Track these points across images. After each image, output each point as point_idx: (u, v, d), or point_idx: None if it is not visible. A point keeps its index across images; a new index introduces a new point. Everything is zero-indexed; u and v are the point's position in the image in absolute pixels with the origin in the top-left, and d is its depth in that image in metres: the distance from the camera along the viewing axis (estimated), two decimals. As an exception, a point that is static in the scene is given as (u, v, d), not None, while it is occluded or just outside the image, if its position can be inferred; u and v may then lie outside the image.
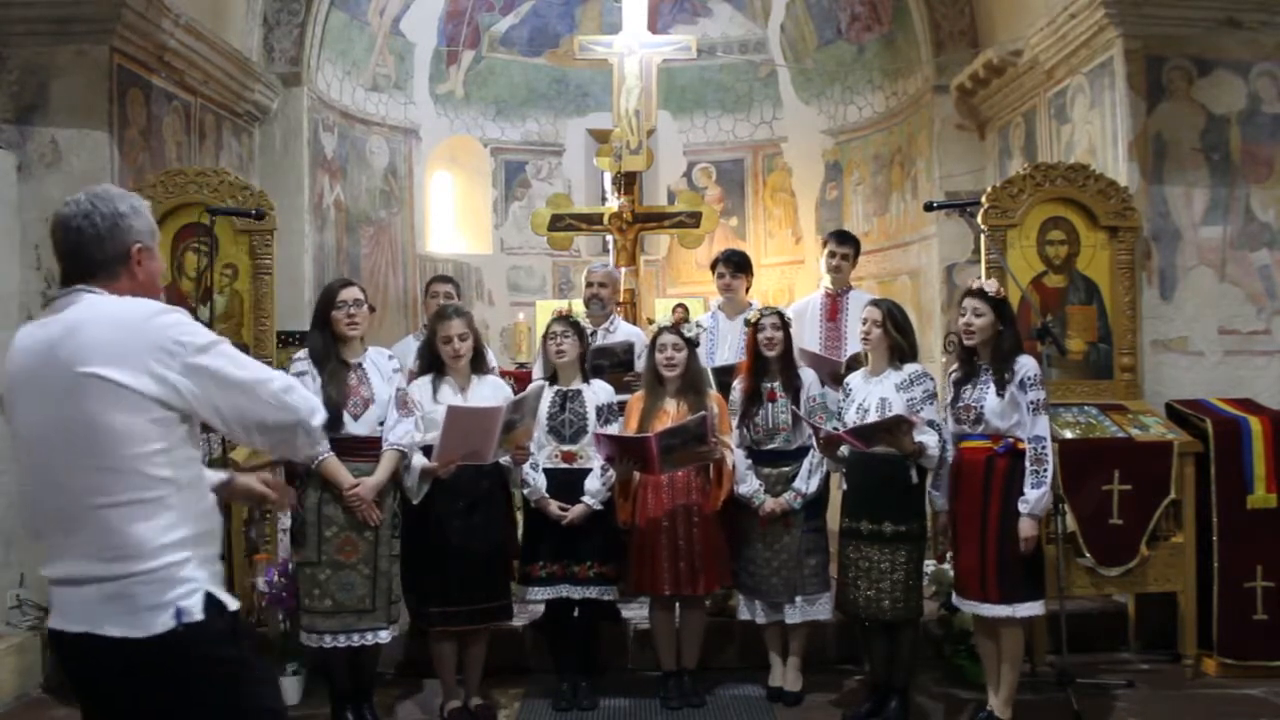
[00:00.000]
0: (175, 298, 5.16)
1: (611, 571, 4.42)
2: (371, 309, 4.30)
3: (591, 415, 4.42)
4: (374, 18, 7.91)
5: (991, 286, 4.11)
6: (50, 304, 2.13)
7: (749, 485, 4.39)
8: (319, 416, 2.23)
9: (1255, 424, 4.81)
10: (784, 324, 4.46)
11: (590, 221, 7.23)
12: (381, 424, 4.07)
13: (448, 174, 8.94)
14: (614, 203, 7.09)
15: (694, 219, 7.14)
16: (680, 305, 7.46)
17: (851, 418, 4.22)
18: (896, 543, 4.14)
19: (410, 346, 5.16)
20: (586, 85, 8.92)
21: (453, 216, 9.01)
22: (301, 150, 7.15)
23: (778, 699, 4.48)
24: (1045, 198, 5.28)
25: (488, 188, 9.00)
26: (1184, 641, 4.82)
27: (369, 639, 4.04)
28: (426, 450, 4.08)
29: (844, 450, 4.24)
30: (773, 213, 9.02)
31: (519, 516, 4.62)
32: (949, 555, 4.27)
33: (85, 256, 2.11)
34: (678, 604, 4.50)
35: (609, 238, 7.27)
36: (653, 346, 4.50)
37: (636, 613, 5.00)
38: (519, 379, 5.45)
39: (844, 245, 5.50)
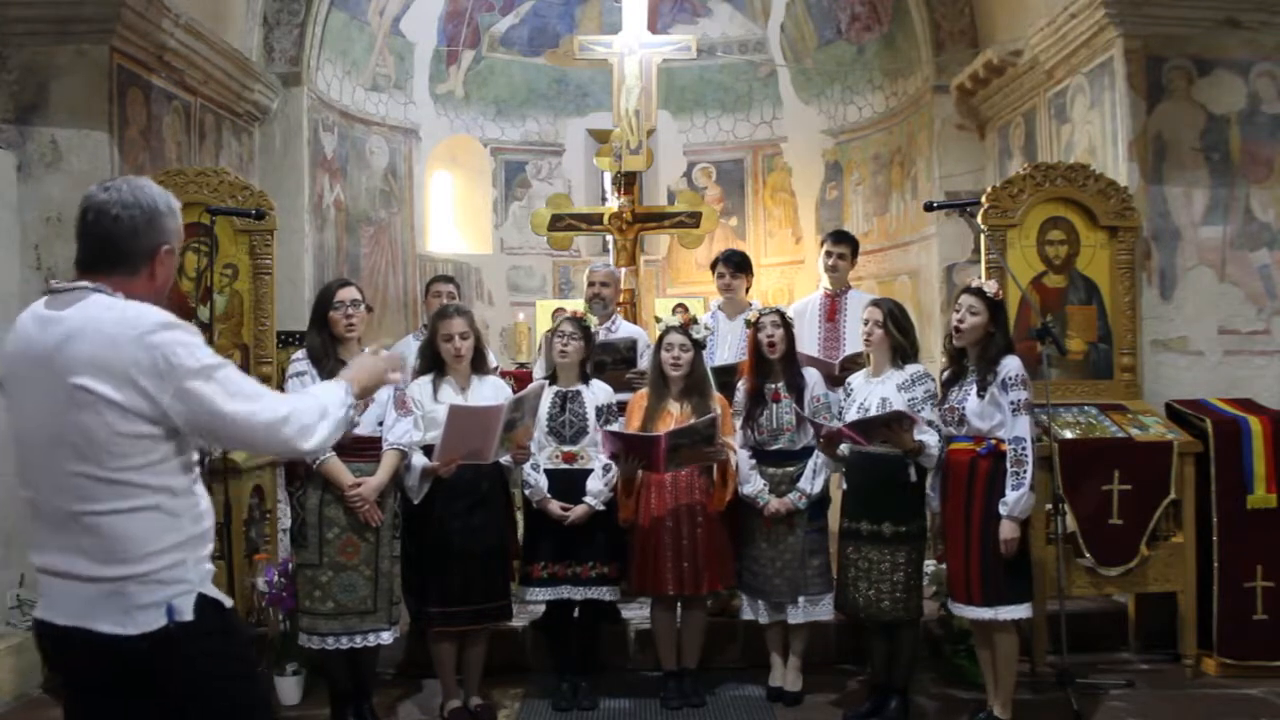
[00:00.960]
0: (175, 297, 5.16)
1: (613, 571, 4.42)
2: (369, 309, 4.30)
3: (591, 416, 4.42)
4: (374, 18, 7.91)
5: (991, 288, 4.10)
6: (54, 294, 2.07)
7: (753, 485, 4.39)
8: (307, 442, 2.15)
9: (1255, 424, 4.81)
10: (784, 323, 4.45)
11: (590, 221, 7.23)
12: (381, 424, 4.07)
13: (448, 174, 8.94)
14: (614, 203, 7.09)
15: (694, 219, 7.14)
16: (680, 305, 7.44)
17: (852, 417, 4.21)
18: (896, 543, 4.14)
19: (411, 346, 5.17)
20: (586, 85, 8.92)
21: (453, 216, 9.01)
22: (301, 150, 7.15)
23: (778, 699, 4.48)
24: (1045, 198, 5.28)
25: (488, 188, 9.00)
26: (1184, 641, 4.82)
27: (370, 640, 4.03)
28: (427, 450, 4.08)
29: (844, 449, 4.24)
30: (773, 213, 9.02)
31: (519, 517, 4.62)
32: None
33: (113, 247, 2.06)
34: (679, 604, 4.50)
35: (609, 238, 7.27)
36: (659, 345, 4.49)
37: (637, 613, 5.01)
38: (519, 379, 5.45)
39: (840, 245, 5.50)
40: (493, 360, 4.75)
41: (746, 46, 8.94)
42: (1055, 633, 4.47)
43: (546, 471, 4.39)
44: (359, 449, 4.02)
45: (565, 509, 4.32)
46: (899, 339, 4.22)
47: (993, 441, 3.98)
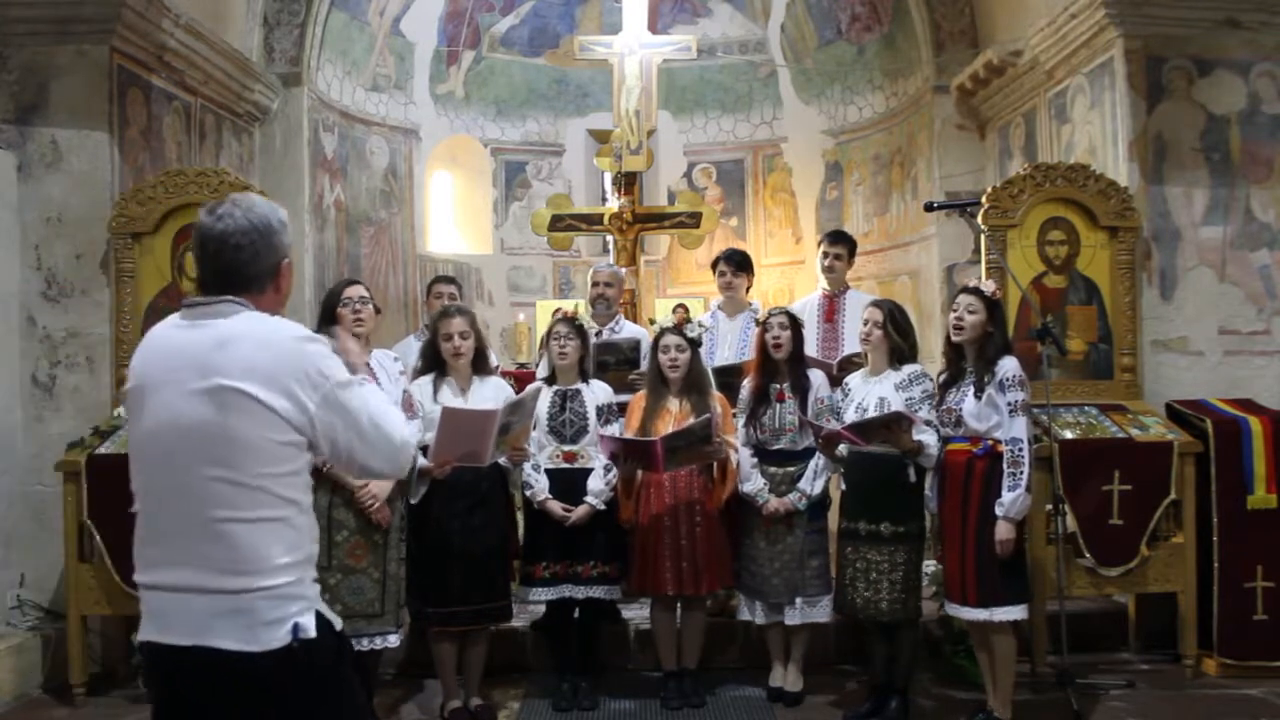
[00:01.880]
0: (176, 298, 5.16)
1: (614, 571, 4.42)
2: (377, 309, 4.31)
3: (592, 415, 4.42)
4: (374, 18, 7.91)
5: (989, 287, 4.11)
6: (193, 308, 2.09)
7: (753, 484, 4.39)
8: (407, 467, 2.29)
9: (1255, 424, 4.81)
10: (792, 324, 4.45)
11: (590, 222, 7.23)
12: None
13: (448, 174, 8.94)
14: (614, 203, 7.10)
15: (694, 219, 7.14)
16: (681, 305, 7.44)
17: (850, 418, 4.22)
18: (895, 543, 4.14)
19: (411, 346, 5.17)
20: (586, 85, 8.92)
21: (453, 216, 9.01)
22: (301, 150, 7.15)
23: (778, 699, 4.48)
24: (1045, 198, 5.28)
25: (488, 188, 9.00)
26: (1184, 641, 4.81)
27: (378, 643, 4.03)
28: (424, 449, 4.08)
29: (843, 450, 4.24)
30: (773, 213, 9.02)
31: (519, 517, 4.62)
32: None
33: (240, 273, 2.09)
34: (679, 604, 4.50)
35: (609, 238, 7.28)
36: (655, 347, 4.49)
37: (637, 613, 5.01)
38: (520, 379, 5.45)
39: (837, 245, 5.50)
40: (493, 359, 4.74)
41: (746, 47, 8.94)
42: (1055, 633, 4.47)
43: (547, 471, 4.39)
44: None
45: (567, 509, 4.32)
46: (897, 340, 4.22)
47: (989, 442, 3.97)
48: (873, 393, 4.22)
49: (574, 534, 4.33)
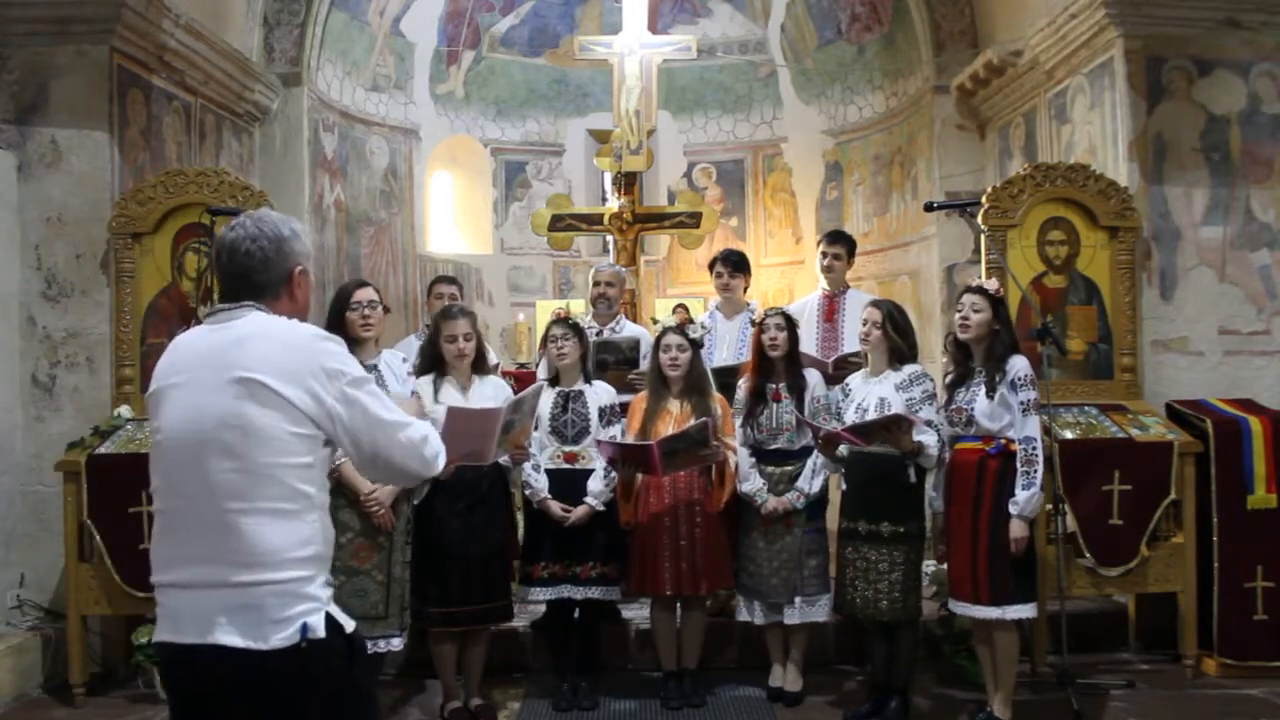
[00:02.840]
0: (175, 298, 5.17)
1: (613, 572, 4.42)
2: (386, 310, 4.31)
3: (594, 416, 4.42)
4: (374, 18, 7.91)
5: (992, 285, 4.12)
6: (216, 314, 2.17)
7: (752, 484, 4.39)
8: (440, 463, 2.29)
9: (1255, 424, 4.81)
10: (788, 324, 4.46)
11: (590, 222, 7.22)
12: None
13: (448, 174, 8.94)
14: (614, 203, 7.09)
15: (694, 219, 7.14)
16: (681, 305, 7.43)
17: (850, 418, 4.22)
18: (894, 543, 4.14)
19: (412, 346, 5.16)
20: (586, 85, 8.91)
21: (453, 216, 9.01)
22: (301, 150, 7.15)
23: (778, 699, 4.48)
24: (1045, 198, 5.28)
25: (488, 188, 9.00)
26: (1184, 641, 4.81)
27: (381, 646, 4.03)
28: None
29: (842, 450, 4.24)
30: (773, 213, 9.01)
31: (519, 517, 4.62)
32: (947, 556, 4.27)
33: (252, 280, 2.16)
34: (678, 604, 4.50)
35: (609, 238, 7.27)
36: (657, 347, 4.49)
37: (637, 613, 5.01)
38: (520, 379, 5.45)
39: (835, 245, 5.50)
40: (493, 358, 4.75)
41: (746, 47, 8.93)
42: (1055, 633, 4.47)
43: (548, 471, 4.39)
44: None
45: (566, 510, 4.32)
46: (897, 341, 4.22)
47: (1002, 441, 3.98)
48: (873, 393, 4.22)
49: (573, 535, 4.33)
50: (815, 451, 4.36)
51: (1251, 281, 5.45)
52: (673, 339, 4.44)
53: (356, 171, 7.97)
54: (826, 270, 5.47)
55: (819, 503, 4.47)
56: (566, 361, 4.46)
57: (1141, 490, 4.70)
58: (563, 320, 4.51)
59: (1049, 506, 4.55)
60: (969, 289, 4.14)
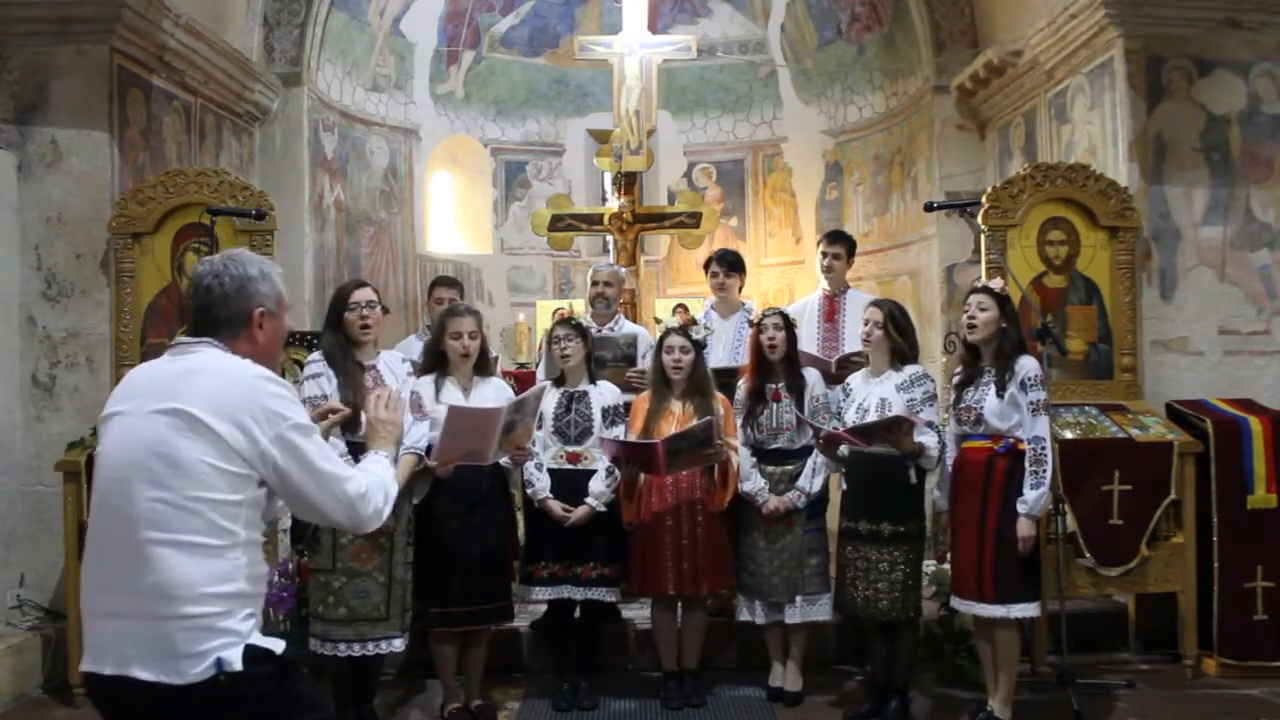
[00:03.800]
0: (175, 298, 5.17)
1: (614, 572, 4.42)
2: (385, 310, 4.30)
3: (598, 417, 4.42)
4: (374, 18, 7.91)
5: (997, 284, 4.12)
6: (177, 346, 2.22)
7: (753, 483, 4.39)
8: (377, 522, 2.27)
9: (1255, 424, 4.81)
10: (786, 324, 4.46)
11: (590, 222, 7.22)
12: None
13: (448, 174, 8.94)
14: (614, 203, 7.09)
15: (694, 219, 7.13)
16: (681, 306, 7.44)
17: (851, 418, 4.22)
18: (895, 543, 4.14)
19: (412, 346, 5.16)
20: (586, 85, 8.91)
21: (453, 216, 9.01)
22: (301, 150, 7.15)
23: (778, 699, 4.48)
24: (1045, 198, 5.28)
25: (488, 188, 9.00)
26: (1184, 641, 4.81)
27: (383, 648, 4.02)
28: (427, 450, 4.08)
29: (843, 450, 4.25)
30: (773, 213, 9.01)
31: (520, 517, 4.62)
32: (949, 555, 4.27)
33: (211, 314, 2.20)
34: (679, 604, 4.50)
35: (609, 238, 7.26)
36: (660, 347, 4.49)
37: (638, 613, 5.01)
38: (520, 379, 5.45)
39: (835, 245, 5.50)
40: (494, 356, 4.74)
41: (746, 47, 8.93)
42: (1055, 633, 4.46)
43: (550, 471, 4.39)
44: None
45: (566, 510, 4.32)
46: (898, 341, 4.22)
47: (1010, 441, 3.99)
48: (874, 393, 4.22)
49: (574, 535, 4.33)
50: (815, 451, 4.36)
51: (1251, 281, 5.45)
52: (676, 340, 4.44)
53: (356, 171, 7.97)
54: (826, 270, 5.47)
55: (819, 502, 4.47)
56: (571, 362, 4.45)
57: (1141, 490, 4.70)
58: (566, 321, 4.51)
59: (1049, 506, 4.55)
60: (974, 289, 4.15)
